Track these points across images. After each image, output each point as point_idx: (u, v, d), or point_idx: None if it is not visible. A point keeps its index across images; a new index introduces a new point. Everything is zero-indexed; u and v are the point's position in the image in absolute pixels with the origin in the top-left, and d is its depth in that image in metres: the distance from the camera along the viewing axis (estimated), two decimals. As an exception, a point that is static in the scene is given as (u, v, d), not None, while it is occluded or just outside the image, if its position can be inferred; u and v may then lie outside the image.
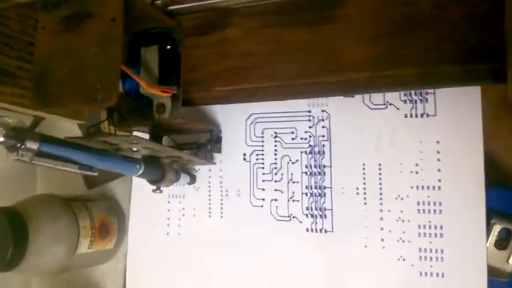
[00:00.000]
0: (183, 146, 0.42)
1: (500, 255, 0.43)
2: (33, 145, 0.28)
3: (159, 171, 0.38)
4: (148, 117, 0.35)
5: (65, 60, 0.31)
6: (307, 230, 0.39)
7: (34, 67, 0.33)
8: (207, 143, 0.41)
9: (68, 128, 0.55)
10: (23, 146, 0.28)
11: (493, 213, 0.42)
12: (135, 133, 0.44)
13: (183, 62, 0.37)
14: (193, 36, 0.37)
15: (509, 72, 0.26)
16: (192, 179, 0.43)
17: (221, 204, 0.42)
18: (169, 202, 0.45)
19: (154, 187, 0.39)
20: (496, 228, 0.42)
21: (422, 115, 0.37)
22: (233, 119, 0.42)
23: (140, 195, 0.45)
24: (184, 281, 0.43)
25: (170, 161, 0.40)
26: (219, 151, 0.42)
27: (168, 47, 0.36)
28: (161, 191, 0.40)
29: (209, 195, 0.43)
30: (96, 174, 0.33)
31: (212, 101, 0.40)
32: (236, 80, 0.37)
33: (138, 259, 0.45)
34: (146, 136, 0.41)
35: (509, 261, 0.42)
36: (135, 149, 0.36)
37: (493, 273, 0.42)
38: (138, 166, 0.36)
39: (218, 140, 0.42)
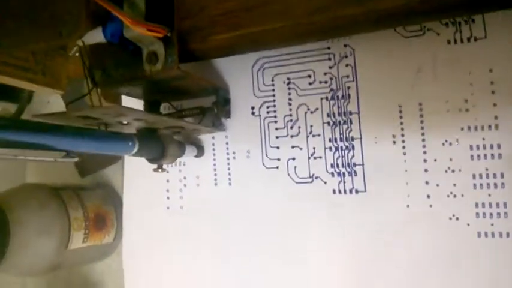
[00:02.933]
0: (184, 113, 0.35)
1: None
2: None
3: (158, 146, 0.32)
4: (138, 72, 0.29)
5: (23, -12, 0.25)
6: (334, 191, 0.33)
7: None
8: (213, 107, 0.35)
9: (54, 109, 0.50)
10: None
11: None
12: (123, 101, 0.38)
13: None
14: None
15: None
16: (200, 151, 0.37)
17: (228, 169, 0.36)
18: (168, 172, 0.38)
19: (155, 166, 0.33)
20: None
21: (469, 39, 0.30)
22: (236, 67, 0.35)
23: (133, 165, 0.39)
24: (190, 261, 0.36)
25: (171, 132, 0.33)
26: (228, 115, 0.36)
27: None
28: (164, 170, 0.33)
29: (214, 160, 0.36)
30: (76, 159, 0.26)
31: (212, 53, 0.34)
32: (238, 24, 0.31)
33: (136, 239, 0.39)
34: (140, 104, 0.35)
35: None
36: (125, 122, 0.30)
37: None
38: (130, 143, 0.29)
39: (226, 101, 0.36)
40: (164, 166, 0.33)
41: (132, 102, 0.36)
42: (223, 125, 0.36)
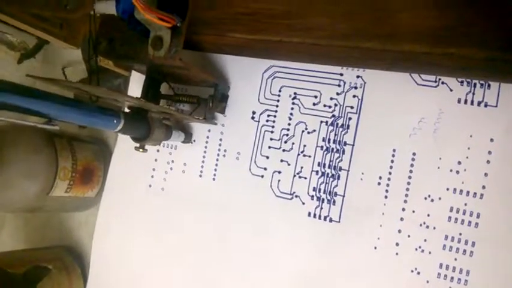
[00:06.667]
0: (181, 98, 0.35)
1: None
2: None
3: (144, 128, 0.32)
4: (141, 53, 0.30)
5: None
6: (309, 214, 0.33)
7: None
8: (208, 99, 0.35)
9: (72, 56, 0.50)
10: None
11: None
12: (131, 75, 0.38)
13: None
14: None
15: None
16: (188, 138, 0.37)
17: (216, 165, 0.36)
18: (158, 151, 0.38)
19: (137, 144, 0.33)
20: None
21: (479, 103, 0.29)
22: (248, 67, 0.35)
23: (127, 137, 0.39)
24: (158, 239, 0.37)
25: (160, 117, 0.33)
26: (222, 111, 0.36)
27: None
28: (145, 150, 0.33)
29: (204, 152, 0.37)
30: (57, 128, 0.26)
31: (224, 48, 0.34)
32: (259, 28, 0.32)
33: (112, 207, 0.40)
34: (142, 79, 0.35)
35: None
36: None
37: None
38: (115, 121, 0.29)
39: (223, 98, 0.36)
40: (146, 147, 0.33)
41: (137, 75, 0.36)
42: (215, 119, 0.36)
